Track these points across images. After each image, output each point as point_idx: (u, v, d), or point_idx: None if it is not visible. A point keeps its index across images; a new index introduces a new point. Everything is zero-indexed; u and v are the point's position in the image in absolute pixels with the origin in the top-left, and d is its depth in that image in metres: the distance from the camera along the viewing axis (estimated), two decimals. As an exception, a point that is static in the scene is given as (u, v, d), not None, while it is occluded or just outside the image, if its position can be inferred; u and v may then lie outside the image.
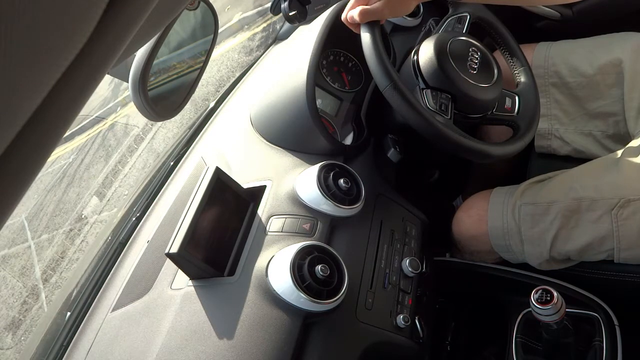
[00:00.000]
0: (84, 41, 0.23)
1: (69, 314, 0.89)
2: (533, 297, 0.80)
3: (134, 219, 0.98)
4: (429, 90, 0.88)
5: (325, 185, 0.82)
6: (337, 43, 1.05)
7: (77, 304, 0.89)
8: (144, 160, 4.59)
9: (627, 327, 0.88)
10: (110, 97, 5.68)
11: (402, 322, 0.81)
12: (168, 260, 0.79)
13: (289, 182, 0.85)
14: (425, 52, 0.90)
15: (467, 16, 0.98)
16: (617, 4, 1.24)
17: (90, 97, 0.26)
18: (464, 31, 0.97)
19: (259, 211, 0.83)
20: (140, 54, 0.75)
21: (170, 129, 4.51)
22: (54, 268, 4.23)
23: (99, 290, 0.87)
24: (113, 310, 0.82)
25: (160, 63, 0.83)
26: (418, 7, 1.17)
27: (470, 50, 0.93)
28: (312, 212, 0.82)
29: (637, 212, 0.91)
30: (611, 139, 1.13)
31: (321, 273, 0.70)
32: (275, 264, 0.73)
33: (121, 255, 0.91)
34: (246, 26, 4.76)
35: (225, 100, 1.19)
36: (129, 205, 1.07)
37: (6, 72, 0.20)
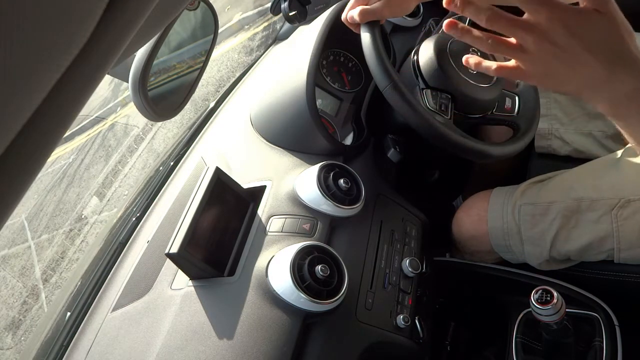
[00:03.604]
0: (84, 41, 0.23)
1: (69, 314, 0.89)
2: (533, 297, 0.80)
3: (134, 219, 0.98)
4: (428, 90, 0.88)
5: (325, 185, 0.82)
6: (337, 43, 1.05)
7: (77, 304, 0.89)
8: (144, 160, 4.59)
9: (627, 327, 0.88)
10: (110, 97, 5.68)
11: (402, 322, 0.81)
12: (168, 260, 0.79)
13: (289, 182, 0.85)
14: (425, 52, 0.90)
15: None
16: (617, 4, 1.23)
17: (90, 97, 0.26)
18: (464, 31, 0.97)
19: (259, 211, 0.83)
20: (140, 54, 0.75)
21: (170, 129, 4.51)
22: (54, 268, 4.24)
23: (99, 290, 0.87)
24: (113, 310, 0.82)
25: (160, 63, 0.83)
26: (418, 7, 1.17)
27: (470, 50, 0.93)
28: (312, 212, 0.82)
29: (637, 212, 0.91)
30: (611, 139, 1.13)
31: (321, 273, 0.70)
32: (275, 264, 0.73)
33: (121, 255, 0.91)
34: (246, 26, 4.77)
35: (225, 100, 1.19)
36: (129, 205, 1.07)
37: (6, 72, 0.20)
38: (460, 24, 0.63)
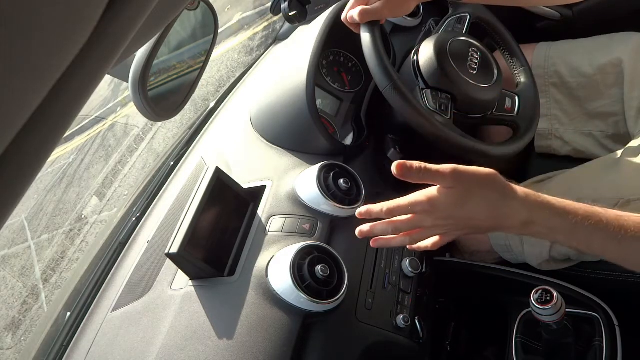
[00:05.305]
0: (84, 41, 0.23)
1: (69, 314, 0.89)
2: (533, 297, 0.80)
3: (134, 219, 0.98)
4: (428, 90, 0.88)
5: (325, 185, 0.82)
6: (337, 43, 1.05)
7: (77, 304, 0.89)
8: (144, 160, 4.59)
9: (627, 327, 0.88)
10: (110, 97, 5.68)
11: (402, 322, 0.81)
12: (168, 260, 0.79)
13: (289, 182, 0.85)
14: (425, 52, 0.90)
15: (467, 16, 0.98)
16: (617, 4, 1.24)
17: (90, 97, 0.26)
18: (464, 31, 0.97)
19: (259, 211, 0.83)
20: (140, 54, 0.75)
21: (170, 129, 4.51)
22: (54, 268, 4.23)
23: (99, 290, 0.87)
24: (113, 310, 0.82)
25: (160, 63, 0.83)
26: (418, 7, 1.17)
27: (470, 50, 0.93)
28: (312, 212, 0.82)
29: (637, 212, 0.90)
30: (611, 139, 1.13)
31: (321, 273, 0.70)
32: (275, 264, 0.73)
33: (121, 255, 0.91)
34: (246, 26, 4.76)
35: (225, 100, 1.19)
36: (129, 205, 1.07)
37: (6, 72, 0.20)
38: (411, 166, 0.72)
